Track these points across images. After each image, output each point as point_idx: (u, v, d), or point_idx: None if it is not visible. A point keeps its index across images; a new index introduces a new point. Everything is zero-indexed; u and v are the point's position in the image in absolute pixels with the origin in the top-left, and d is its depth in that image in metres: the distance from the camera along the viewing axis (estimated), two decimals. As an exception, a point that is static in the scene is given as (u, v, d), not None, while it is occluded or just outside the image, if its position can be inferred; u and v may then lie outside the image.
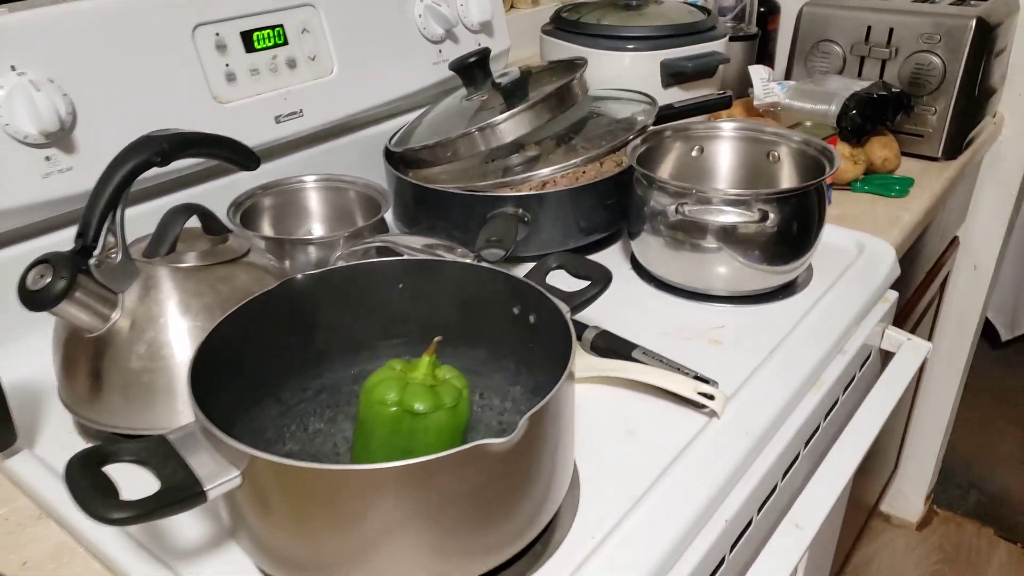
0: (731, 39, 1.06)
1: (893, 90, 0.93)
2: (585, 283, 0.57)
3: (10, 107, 0.61)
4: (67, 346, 0.55)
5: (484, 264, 0.56)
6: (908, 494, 1.66)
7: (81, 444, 0.57)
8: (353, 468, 0.38)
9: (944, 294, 1.39)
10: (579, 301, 0.54)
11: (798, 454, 0.66)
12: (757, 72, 0.95)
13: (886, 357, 0.80)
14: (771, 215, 0.67)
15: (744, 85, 1.02)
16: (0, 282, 0.52)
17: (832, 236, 0.82)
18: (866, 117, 0.90)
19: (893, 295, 0.80)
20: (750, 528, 0.59)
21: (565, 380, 0.44)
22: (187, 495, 0.39)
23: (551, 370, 0.44)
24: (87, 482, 0.38)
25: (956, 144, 1.02)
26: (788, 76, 1.09)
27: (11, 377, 0.56)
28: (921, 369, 1.39)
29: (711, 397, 0.58)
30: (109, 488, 0.39)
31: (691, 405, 0.59)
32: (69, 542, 0.50)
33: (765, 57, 1.19)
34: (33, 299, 0.49)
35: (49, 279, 0.49)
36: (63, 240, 0.53)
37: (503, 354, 0.56)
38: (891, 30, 0.99)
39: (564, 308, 0.51)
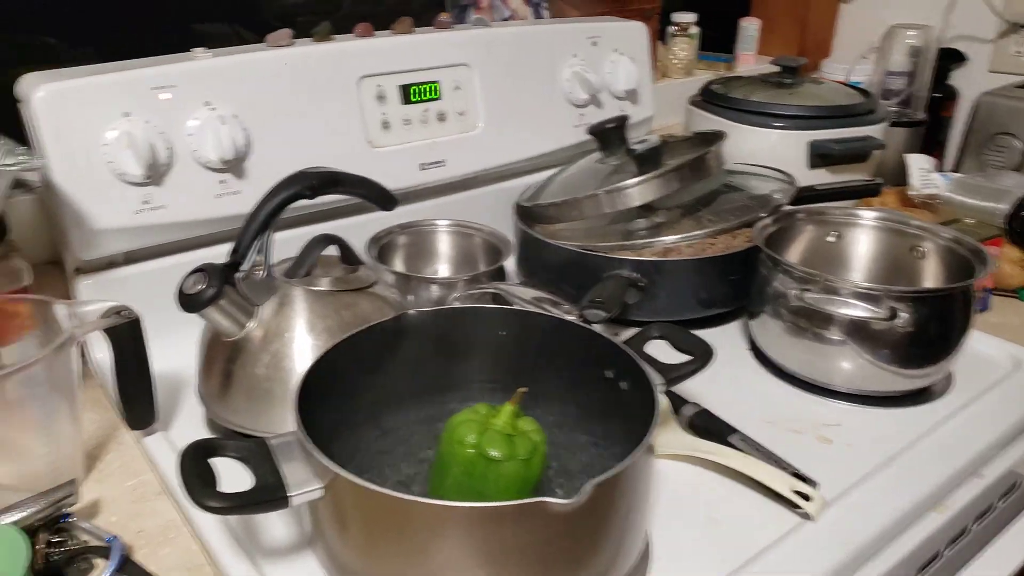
0: (894, 124, 1.01)
1: (1078, 194, 0.84)
2: (686, 357, 0.56)
3: (200, 137, 0.71)
4: (209, 347, 0.62)
5: (584, 323, 0.57)
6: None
7: (206, 435, 0.63)
8: (417, 500, 0.40)
9: None
10: (674, 375, 0.53)
11: (909, 580, 0.59)
12: (916, 161, 0.89)
13: (1038, 491, 0.71)
14: (903, 314, 0.62)
15: (905, 173, 0.96)
16: (170, 284, 0.60)
17: (984, 345, 0.75)
18: (1040, 220, 0.82)
19: (1052, 421, 0.71)
20: (842, 651, 0.54)
21: (640, 453, 0.43)
22: (273, 497, 0.43)
23: (635, 440, 0.44)
24: (193, 470, 0.43)
25: None
26: (957, 169, 1.01)
27: (162, 367, 0.63)
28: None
29: (807, 498, 0.55)
30: (210, 478, 0.43)
31: (784, 503, 0.56)
32: (177, 521, 0.55)
33: (935, 146, 1.12)
34: (187, 302, 0.57)
35: (202, 286, 0.57)
36: (225, 253, 0.61)
37: (592, 415, 0.56)
38: (1082, 129, 0.90)
39: (658, 380, 0.50)
